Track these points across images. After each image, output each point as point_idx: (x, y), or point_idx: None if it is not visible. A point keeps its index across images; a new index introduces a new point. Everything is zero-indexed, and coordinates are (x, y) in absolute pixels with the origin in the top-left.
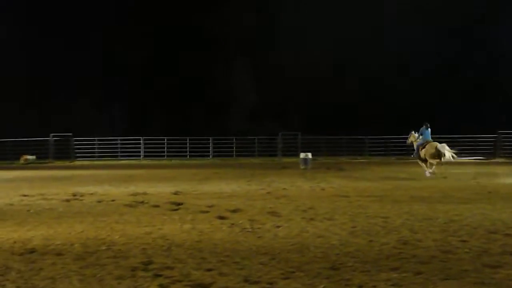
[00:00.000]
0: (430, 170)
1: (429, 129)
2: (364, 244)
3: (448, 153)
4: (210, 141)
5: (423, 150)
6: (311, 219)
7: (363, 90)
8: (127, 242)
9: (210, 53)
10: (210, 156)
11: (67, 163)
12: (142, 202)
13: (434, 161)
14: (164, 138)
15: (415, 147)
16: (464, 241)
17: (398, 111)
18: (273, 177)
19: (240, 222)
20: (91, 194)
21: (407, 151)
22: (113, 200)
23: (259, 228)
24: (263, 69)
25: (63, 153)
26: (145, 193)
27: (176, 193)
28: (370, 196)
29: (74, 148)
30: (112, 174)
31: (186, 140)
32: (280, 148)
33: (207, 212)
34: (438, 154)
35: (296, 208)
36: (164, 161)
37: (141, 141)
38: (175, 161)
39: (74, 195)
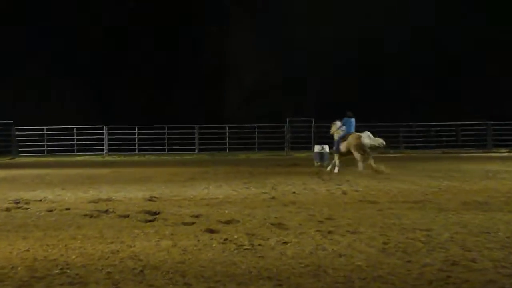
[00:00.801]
0: (362, 165)
1: (354, 119)
2: (400, 266)
3: (367, 139)
4: (196, 130)
5: (344, 143)
6: (329, 232)
7: (400, 64)
8: (87, 263)
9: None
10: (196, 150)
11: (6, 160)
12: (106, 211)
13: (359, 154)
14: (135, 127)
15: (335, 139)
16: None
17: (445, 93)
18: (279, 178)
19: (236, 237)
20: (39, 201)
21: (454, 142)
22: (67, 209)
23: (260, 245)
24: (267, 36)
25: (2, 147)
26: (110, 200)
27: (151, 199)
28: (406, 202)
29: (17, 140)
30: (66, 175)
31: (164, 130)
32: (288, 139)
33: (192, 224)
34: (362, 146)
35: (309, 218)
36: (136, 157)
37: (105, 131)
38: (149, 157)
39: (17, 202)
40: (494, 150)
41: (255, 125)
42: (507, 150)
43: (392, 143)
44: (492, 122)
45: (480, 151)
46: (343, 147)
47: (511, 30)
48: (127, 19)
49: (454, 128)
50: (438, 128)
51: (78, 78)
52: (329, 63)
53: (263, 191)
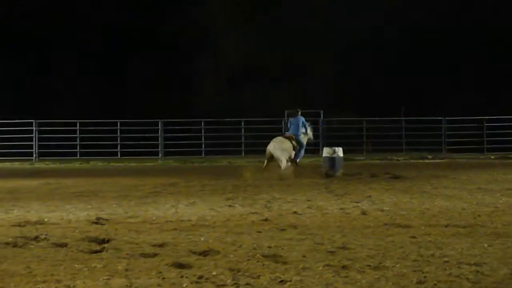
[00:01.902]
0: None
1: (298, 118)
2: None
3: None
4: (160, 127)
5: None
6: (344, 267)
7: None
8: None
9: None
10: (160, 155)
11: None
12: (36, 238)
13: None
14: (76, 123)
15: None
16: None
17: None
18: (275, 192)
19: (215, 273)
20: None
21: None
22: None
23: (249, 284)
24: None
25: None
26: (41, 222)
27: (98, 222)
28: (450, 226)
29: None
30: None
31: (117, 127)
32: None
33: (154, 255)
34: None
35: (316, 248)
36: (76, 164)
37: (34, 128)
38: (96, 164)
39: None
40: None
41: (242, 119)
42: None
43: (431, 144)
44: None
45: None
46: None
47: None
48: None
49: None
50: (494, 124)
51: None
52: (343, 39)
53: (253, 211)
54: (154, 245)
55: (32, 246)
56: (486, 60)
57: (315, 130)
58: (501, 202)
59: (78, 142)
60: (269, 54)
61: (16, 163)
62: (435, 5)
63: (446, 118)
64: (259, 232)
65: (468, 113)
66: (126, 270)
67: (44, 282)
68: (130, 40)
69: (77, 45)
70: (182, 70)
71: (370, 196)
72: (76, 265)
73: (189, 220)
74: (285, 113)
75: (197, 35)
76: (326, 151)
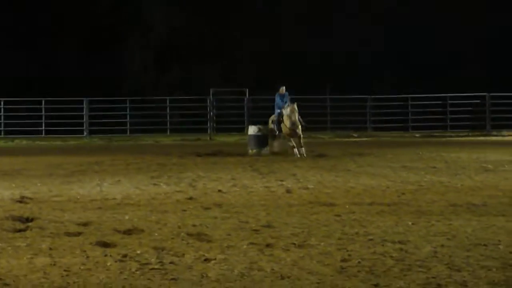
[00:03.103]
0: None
1: (283, 95)
2: None
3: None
4: (85, 105)
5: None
6: (268, 245)
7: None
8: None
9: None
10: (85, 133)
11: None
12: None
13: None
14: (0, 101)
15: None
16: None
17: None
18: (200, 171)
19: (139, 252)
20: None
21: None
22: None
23: (173, 263)
24: None
25: None
26: None
27: (21, 201)
28: (374, 204)
29: None
30: None
31: (41, 104)
32: (213, 118)
33: (78, 234)
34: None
35: (241, 227)
36: (1, 142)
37: None
38: (20, 142)
39: None
40: (495, 133)
41: (167, 98)
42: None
43: (357, 122)
44: (492, 94)
45: (476, 133)
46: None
47: None
48: None
49: (440, 103)
50: (419, 102)
51: None
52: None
53: (178, 190)
54: (78, 224)
55: None
56: (412, 39)
57: (240, 109)
58: (425, 180)
59: (1, 121)
60: (195, 33)
61: None
62: None
63: (371, 96)
64: (184, 210)
65: (394, 92)
66: (50, 249)
67: None
68: (60, 17)
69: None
70: (109, 48)
71: (295, 175)
72: (0, 244)
73: (114, 199)
74: (210, 92)
75: (126, 13)
76: (251, 130)
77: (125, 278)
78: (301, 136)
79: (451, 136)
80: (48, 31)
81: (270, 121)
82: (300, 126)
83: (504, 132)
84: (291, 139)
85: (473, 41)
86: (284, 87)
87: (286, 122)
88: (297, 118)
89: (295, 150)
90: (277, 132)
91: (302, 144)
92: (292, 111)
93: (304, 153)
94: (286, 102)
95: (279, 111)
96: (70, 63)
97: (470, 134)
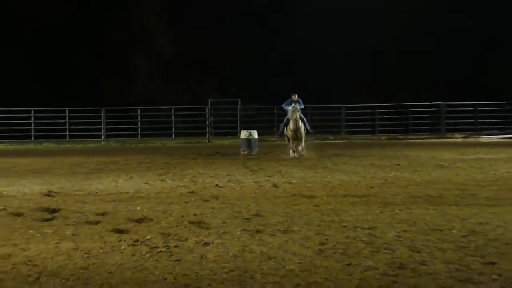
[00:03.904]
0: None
1: (293, 101)
2: (338, 270)
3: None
4: (102, 114)
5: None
6: (258, 231)
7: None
8: None
9: None
10: (102, 137)
11: None
12: None
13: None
14: (31, 111)
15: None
16: (491, 263)
17: (391, 70)
18: (200, 168)
19: (148, 237)
20: None
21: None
22: None
23: (177, 246)
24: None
25: None
26: (0, 195)
27: (49, 194)
28: (347, 196)
29: None
30: None
31: (65, 113)
32: (211, 124)
33: (97, 223)
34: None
35: (235, 216)
36: (31, 145)
37: None
38: (48, 145)
39: None
40: (448, 136)
41: (172, 107)
42: (463, 136)
43: (333, 127)
44: (446, 103)
45: (433, 136)
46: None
47: None
48: None
49: (403, 110)
50: (385, 110)
51: None
52: (259, 36)
53: (181, 184)
54: (97, 214)
55: None
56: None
57: (233, 116)
58: (390, 175)
59: (32, 127)
60: (196, 51)
61: None
62: None
63: (345, 105)
64: (186, 202)
65: (363, 101)
66: (73, 235)
67: (3, 246)
68: (79, 40)
69: (25, 39)
70: (121, 64)
71: (280, 171)
72: (30, 231)
73: (127, 193)
74: (209, 102)
75: (134, 34)
76: (243, 134)
77: (136, 260)
78: (302, 139)
79: (412, 139)
80: (72, 52)
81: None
82: (302, 130)
83: (456, 135)
84: (292, 141)
85: (430, 61)
86: (296, 95)
87: (290, 125)
88: (299, 121)
89: (291, 151)
90: (279, 132)
91: (303, 147)
92: (293, 111)
93: (301, 153)
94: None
95: (287, 117)
96: (89, 77)
97: (428, 137)
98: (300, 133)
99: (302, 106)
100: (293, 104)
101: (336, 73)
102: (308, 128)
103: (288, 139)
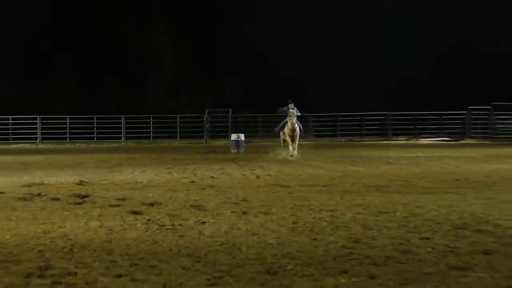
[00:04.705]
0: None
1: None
2: (307, 243)
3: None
4: (123, 120)
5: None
6: (244, 213)
7: (310, 60)
8: (20, 243)
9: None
10: (123, 139)
11: None
12: (39, 194)
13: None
14: (66, 117)
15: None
16: (427, 238)
17: (351, 86)
18: (199, 163)
19: (158, 217)
20: None
21: (359, 131)
22: (2, 193)
23: (180, 225)
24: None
25: None
26: (42, 184)
27: (80, 183)
28: (314, 186)
29: None
30: (1, 161)
31: (93, 120)
32: (207, 129)
33: (118, 206)
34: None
35: (226, 201)
36: (67, 145)
37: (38, 121)
38: (79, 145)
39: None
40: (394, 139)
41: (177, 115)
42: (405, 139)
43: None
44: (391, 113)
45: (381, 139)
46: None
47: None
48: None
49: (358, 118)
50: (344, 118)
51: (10, 77)
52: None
53: (184, 176)
54: (118, 199)
55: (36, 200)
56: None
57: (225, 123)
58: (348, 169)
59: (67, 131)
60: (196, 72)
61: (26, 144)
62: None
63: (313, 114)
64: (188, 190)
65: (327, 111)
66: (99, 215)
67: (44, 224)
68: (105, 62)
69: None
70: (138, 82)
71: (262, 166)
72: (65, 212)
73: (141, 182)
74: (206, 111)
75: (150, 59)
76: (233, 136)
77: (148, 235)
78: (296, 139)
79: (365, 141)
80: (98, 73)
81: (281, 134)
82: (298, 132)
83: (400, 138)
84: (289, 139)
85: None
86: (292, 103)
87: (288, 125)
88: (296, 123)
89: (284, 153)
90: (277, 129)
91: (295, 147)
92: (291, 115)
93: (295, 155)
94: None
95: (286, 119)
96: (114, 91)
97: (377, 139)
98: (296, 133)
99: (299, 113)
100: (291, 110)
101: (305, 89)
102: (302, 130)
103: (284, 140)
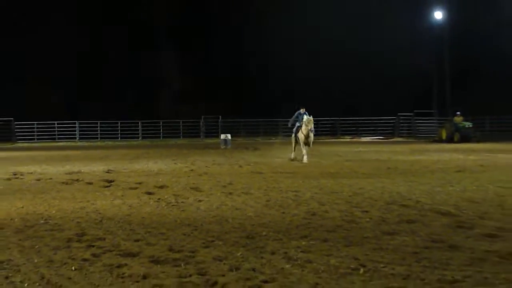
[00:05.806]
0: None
1: (300, 113)
2: (277, 215)
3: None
4: (140, 124)
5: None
6: (230, 193)
7: (277, 74)
8: (63, 216)
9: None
10: (140, 138)
11: (8, 145)
12: (77, 180)
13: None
14: (98, 122)
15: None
16: (366, 211)
17: (307, 94)
18: (196, 156)
19: (166, 197)
20: (30, 173)
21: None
22: (50, 179)
23: (183, 202)
24: (190, 57)
25: (5, 136)
26: (79, 172)
27: (108, 172)
28: (282, 173)
29: (15, 131)
30: (50, 155)
31: (118, 123)
32: (203, 130)
33: (136, 188)
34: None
35: (217, 184)
36: (98, 143)
37: (77, 125)
38: (107, 143)
39: (15, 174)
40: (341, 137)
41: (180, 120)
42: (350, 137)
43: (273, 132)
44: (340, 118)
45: (332, 138)
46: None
47: None
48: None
49: (315, 123)
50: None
51: (57, 90)
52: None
53: (185, 165)
54: (136, 183)
55: (75, 184)
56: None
57: (217, 126)
58: (307, 161)
59: (98, 132)
60: (196, 85)
61: (68, 142)
62: None
63: (281, 119)
64: (189, 176)
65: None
66: (122, 195)
67: (81, 201)
68: (131, 77)
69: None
70: (151, 93)
71: (244, 158)
72: (97, 193)
73: (154, 170)
74: (202, 117)
75: (162, 74)
76: (222, 136)
77: (159, 210)
78: (310, 144)
79: (320, 139)
80: (122, 86)
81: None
82: (312, 138)
83: (346, 137)
84: (303, 145)
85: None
86: (304, 108)
87: (303, 131)
88: (311, 129)
89: (291, 154)
90: (293, 129)
91: (305, 153)
92: (308, 122)
93: (306, 159)
94: (303, 117)
95: (298, 124)
96: (132, 102)
97: (329, 138)
98: (310, 139)
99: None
100: (306, 116)
101: (278, 98)
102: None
103: (296, 142)
